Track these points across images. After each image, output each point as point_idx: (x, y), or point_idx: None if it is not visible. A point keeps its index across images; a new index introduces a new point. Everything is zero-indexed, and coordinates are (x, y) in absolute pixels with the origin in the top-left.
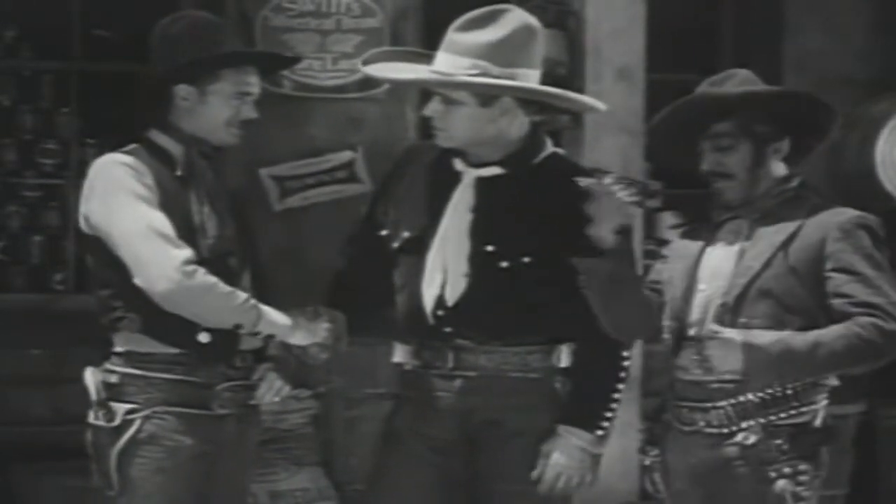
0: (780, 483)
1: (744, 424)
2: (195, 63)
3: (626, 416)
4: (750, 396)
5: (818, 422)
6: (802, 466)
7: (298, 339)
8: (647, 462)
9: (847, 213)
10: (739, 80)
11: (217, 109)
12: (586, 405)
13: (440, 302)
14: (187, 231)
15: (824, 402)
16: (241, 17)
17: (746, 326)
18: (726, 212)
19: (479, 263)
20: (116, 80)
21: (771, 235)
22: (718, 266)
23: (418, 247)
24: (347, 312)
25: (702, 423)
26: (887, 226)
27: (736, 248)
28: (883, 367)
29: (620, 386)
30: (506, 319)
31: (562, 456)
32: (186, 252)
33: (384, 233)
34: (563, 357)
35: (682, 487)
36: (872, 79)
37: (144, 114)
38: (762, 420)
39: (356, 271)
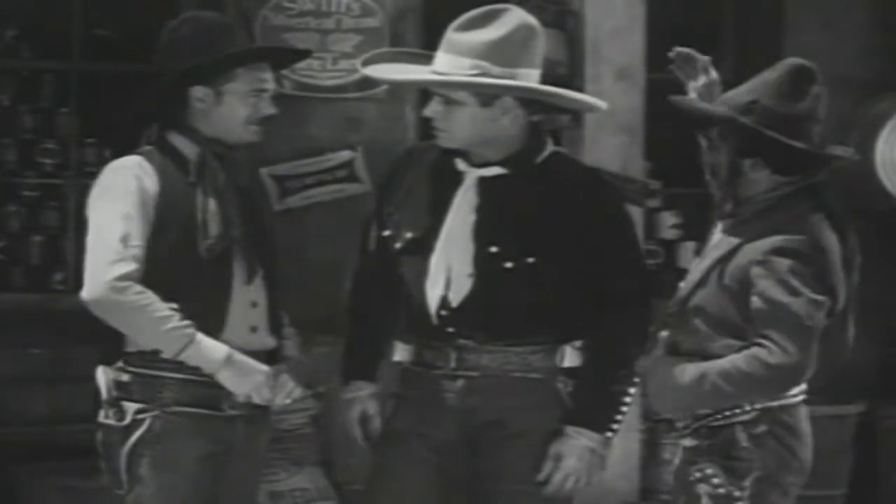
0: (700, 486)
1: (694, 426)
2: (210, 64)
3: (626, 417)
4: None
5: (751, 418)
6: (710, 470)
7: (225, 380)
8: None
9: (770, 240)
10: (746, 88)
11: (234, 108)
12: (597, 406)
13: (444, 302)
14: (187, 230)
15: (784, 399)
16: (240, 16)
17: (677, 342)
18: (718, 212)
19: (483, 264)
20: (116, 80)
21: (720, 249)
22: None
23: (421, 247)
24: (370, 322)
25: (679, 425)
26: (887, 225)
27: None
28: (883, 367)
29: (631, 389)
30: (510, 320)
31: (571, 458)
32: (126, 268)
33: (386, 233)
34: (566, 357)
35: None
36: (872, 79)
37: (158, 116)
38: (702, 421)
39: (377, 283)
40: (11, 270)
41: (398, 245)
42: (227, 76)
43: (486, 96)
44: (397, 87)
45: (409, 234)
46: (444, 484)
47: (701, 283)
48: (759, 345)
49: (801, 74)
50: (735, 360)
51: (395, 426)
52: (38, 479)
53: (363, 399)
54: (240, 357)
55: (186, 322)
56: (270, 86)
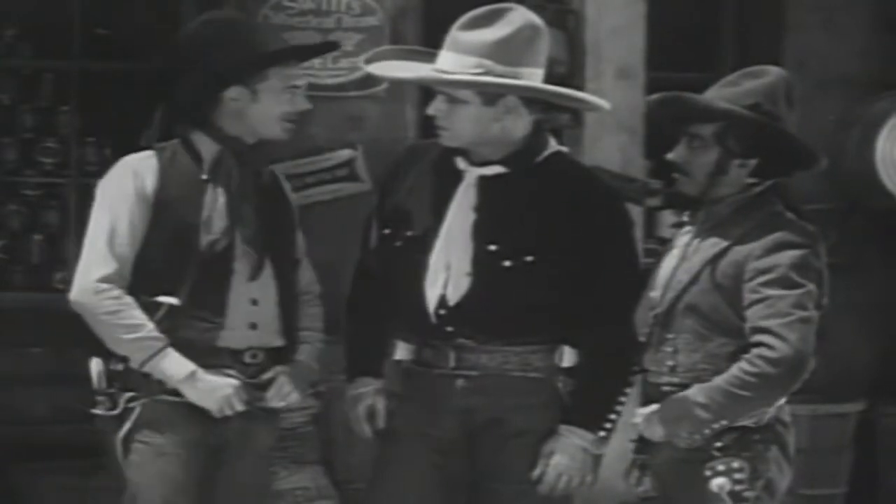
0: (717, 480)
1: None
2: (246, 64)
3: (625, 416)
4: None
5: (762, 422)
6: (737, 464)
7: (191, 396)
8: (637, 461)
9: (774, 235)
10: (743, 91)
11: (271, 106)
12: (590, 405)
13: (442, 301)
14: (187, 226)
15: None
16: (241, 14)
17: (673, 341)
18: (682, 206)
19: (481, 263)
20: (116, 79)
21: (706, 249)
22: (663, 274)
23: (421, 246)
24: (372, 319)
25: None
26: (887, 225)
27: (679, 257)
28: (883, 366)
29: (626, 388)
30: (508, 319)
31: (563, 456)
32: (107, 268)
33: (386, 231)
34: (565, 356)
35: (652, 484)
36: (872, 79)
37: (186, 116)
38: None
39: (377, 281)
40: (11, 270)
41: (398, 243)
42: (261, 75)
43: (490, 95)
44: (398, 85)
45: (408, 233)
46: (445, 483)
47: (692, 283)
48: (758, 344)
49: (788, 83)
50: (740, 365)
51: (396, 425)
52: (38, 479)
53: (370, 394)
54: (204, 375)
55: (156, 334)
56: (301, 81)
